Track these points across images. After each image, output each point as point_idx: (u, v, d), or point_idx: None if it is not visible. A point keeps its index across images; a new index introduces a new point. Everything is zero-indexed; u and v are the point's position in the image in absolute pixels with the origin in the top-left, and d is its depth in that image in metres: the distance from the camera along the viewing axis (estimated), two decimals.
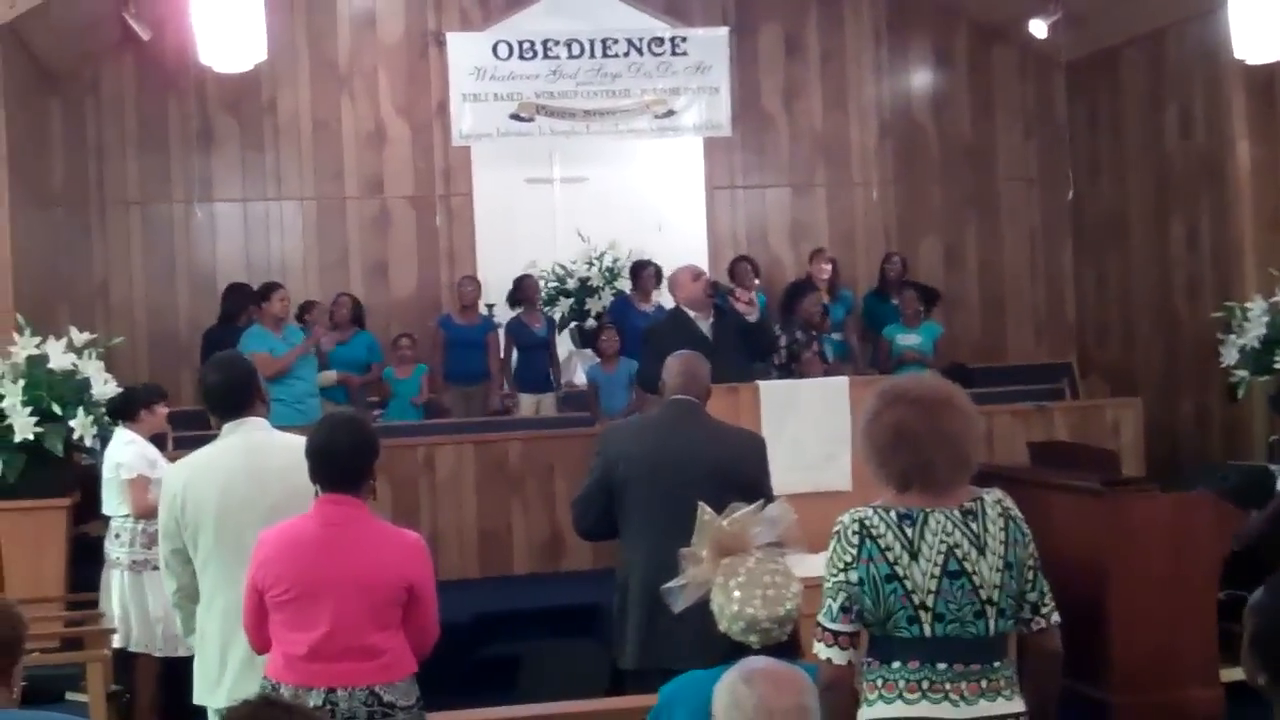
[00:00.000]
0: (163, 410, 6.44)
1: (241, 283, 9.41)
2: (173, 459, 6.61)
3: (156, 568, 6.10)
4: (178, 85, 9.89)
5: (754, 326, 6.53)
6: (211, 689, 3.89)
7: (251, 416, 4.02)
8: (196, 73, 9.20)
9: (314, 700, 3.37)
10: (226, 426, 4.01)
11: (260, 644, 3.59)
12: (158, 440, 6.68)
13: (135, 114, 9.99)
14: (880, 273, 10.18)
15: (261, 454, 3.93)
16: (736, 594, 3.15)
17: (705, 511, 3.39)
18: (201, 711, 4.00)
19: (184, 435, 8.32)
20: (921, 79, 10.98)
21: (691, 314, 6.50)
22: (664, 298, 9.92)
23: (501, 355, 9.54)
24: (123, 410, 6.42)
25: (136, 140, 10.00)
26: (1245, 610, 2.30)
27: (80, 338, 6.96)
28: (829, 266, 9.80)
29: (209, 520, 3.87)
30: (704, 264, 10.38)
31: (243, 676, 3.79)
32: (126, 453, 6.19)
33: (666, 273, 10.05)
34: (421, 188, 10.32)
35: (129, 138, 9.99)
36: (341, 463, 3.52)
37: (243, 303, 9.08)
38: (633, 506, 4.46)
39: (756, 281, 9.35)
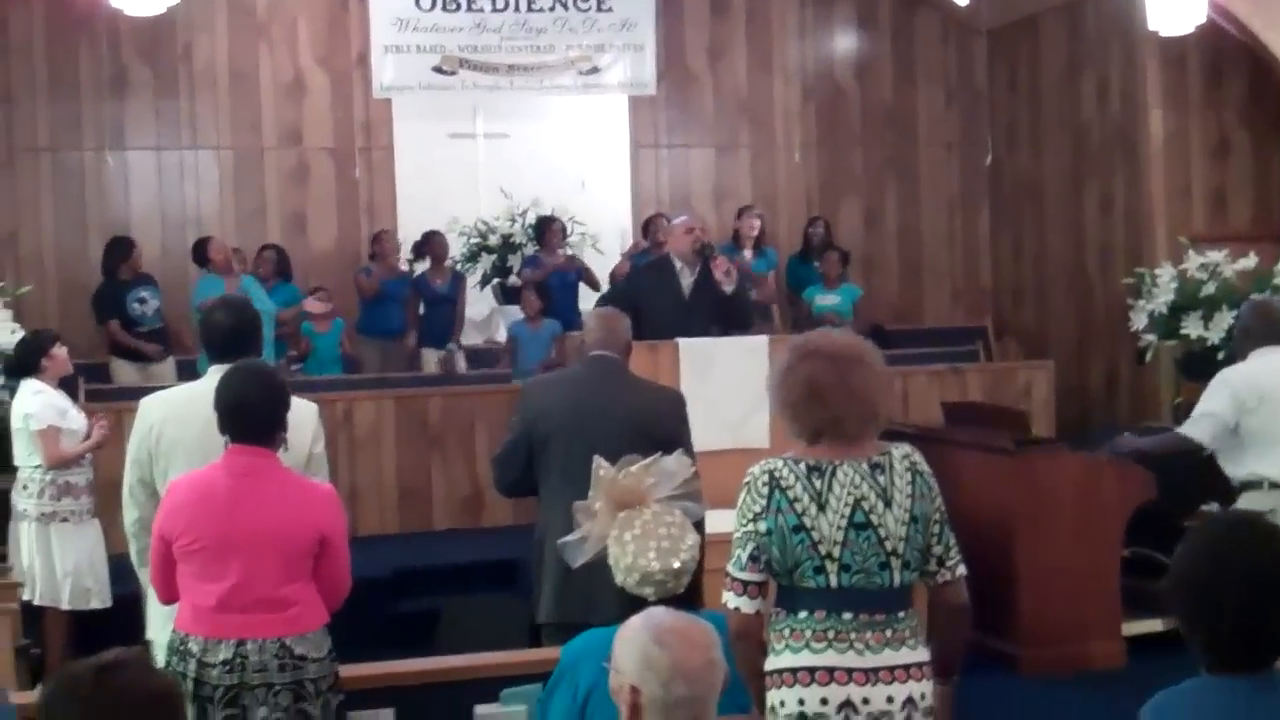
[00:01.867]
0: (60, 352, 6.25)
1: (123, 236, 9.25)
2: (86, 410, 6.55)
3: (65, 520, 6.06)
4: (89, 29, 9.64)
5: (728, 298, 6.39)
6: (164, 625, 3.80)
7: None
8: (108, 17, 8.95)
9: (223, 653, 3.34)
10: (214, 368, 3.95)
11: (166, 594, 3.55)
12: (70, 387, 6.55)
13: (45, 58, 9.72)
14: (804, 236, 10.25)
15: None
16: (631, 547, 3.15)
17: (601, 465, 3.38)
18: None
19: (95, 388, 8.20)
20: (845, 42, 11.03)
21: (678, 265, 6.45)
22: (581, 253, 9.93)
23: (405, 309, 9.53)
24: (23, 365, 6.26)
25: (46, 85, 9.73)
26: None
27: None
28: (757, 223, 9.83)
29: (182, 456, 3.83)
30: (628, 224, 10.44)
31: None
32: (35, 403, 6.06)
33: (586, 229, 10.13)
34: (341, 140, 10.18)
35: (39, 83, 9.72)
36: (252, 414, 3.49)
37: (123, 257, 8.96)
38: (551, 462, 4.45)
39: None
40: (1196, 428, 5.20)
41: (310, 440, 3.92)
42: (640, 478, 3.34)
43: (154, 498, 3.88)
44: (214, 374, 3.93)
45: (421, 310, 9.47)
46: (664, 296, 6.26)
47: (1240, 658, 2.26)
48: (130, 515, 4.00)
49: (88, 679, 2.17)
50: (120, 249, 9.03)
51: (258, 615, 3.37)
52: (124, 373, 8.77)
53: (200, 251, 8.91)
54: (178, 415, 3.91)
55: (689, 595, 3.19)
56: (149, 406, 4.01)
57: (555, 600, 4.39)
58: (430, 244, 9.51)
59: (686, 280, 6.40)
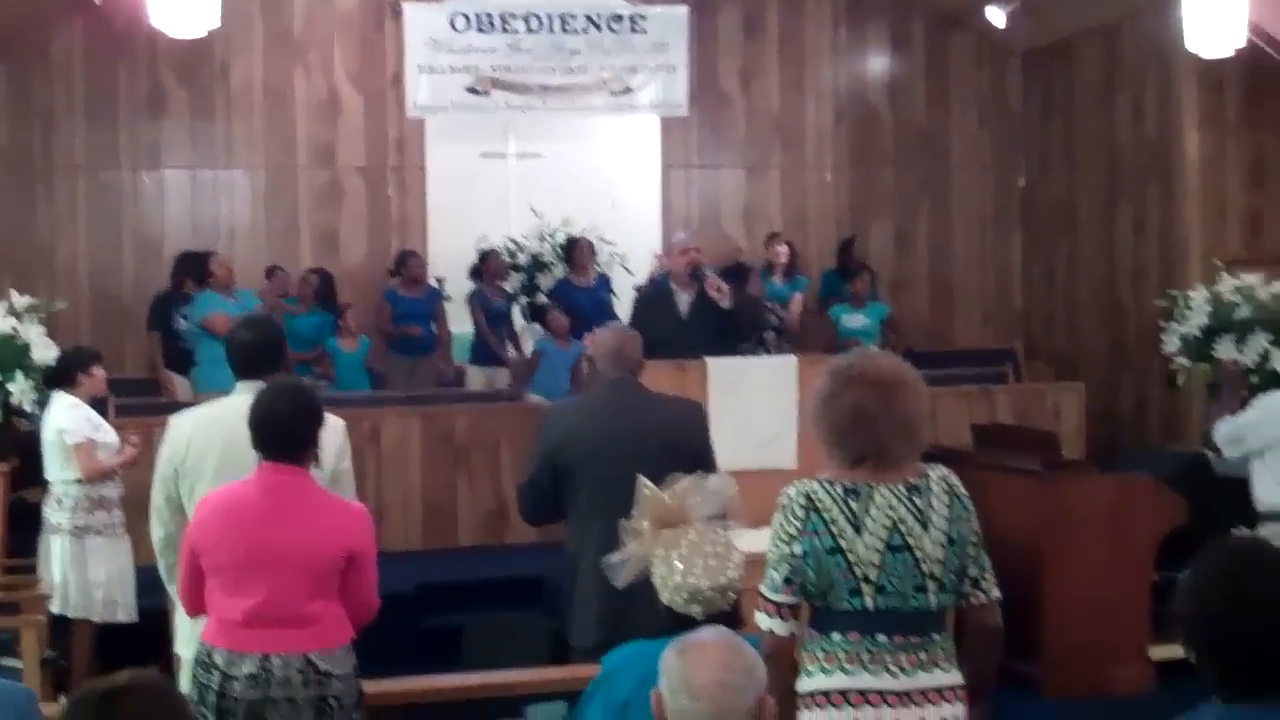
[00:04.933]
0: (100, 373, 6.34)
1: (193, 251, 9.36)
2: (117, 426, 6.60)
3: (99, 533, 6.10)
4: (128, 50, 9.75)
5: (728, 313, 6.46)
6: (188, 641, 3.82)
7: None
8: (148, 38, 9.07)
9: (248, 666, 3.34)
10: (240, 385, 3.96)
11: (193, 607, 3.56)
12: (99, 405, 6.60)
13: (84, 79, 9.83)
14: (840, 253, 10.26)
15: None
16: (679, 565, 3.15)
17: (645, 485, 3.38)
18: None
19: (128, 402, 8.25)
20: (878, 64, 11.02)
21: (674, 286, 6.51)
22: (611, 273, 9.95)
23: (473, 327, 9.60)
24: (60, 377, 6.33)
25: (85, 105, 9.84)
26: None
27: (21, 302, 6.86)
28: (784, 250, 9.84)
29: (209, 472, 3.83)
30: (658, 243, 10.45)
31: None
32: (69, 417, 6.11)
33: (616, 249, 10.14)
34: (374, 159, 10.25)
35: (77, 103, 9.83)
36: (283, 430, 3.48)
37: (190, 271, 9.06)
38: (581, 486, 4.41)
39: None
40: (1223, 426, 5.19)
41: (335, 457, 3.92)
42: (685, 497, 3.33)
43: (180, 514, 3.89)
44: (241, 391, 3.95)
45: (484, 326, 9.54)
46: (663, 318, 6.32)
47: (1255, 686, 2.25)
48: (157, 533, 4.01)
49: (93, 704, 2.16)
50: (188, 262, 9.12)
51: (284, 630, 3.37)
52: (179, 386, 8.86)
53: (202, 266, 8.80)
54: (203, 432, 3.91)
55: (733, 613, 3.18)
56: (177, 425, 4.02)
57: (599, 624, 4.29)
58: (487, 262, 9.61)
59: (683, 301, 6.47)
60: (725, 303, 6.43)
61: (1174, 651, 5.99)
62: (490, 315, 9.55)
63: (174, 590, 3.97)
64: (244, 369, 4.00)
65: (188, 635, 3.84)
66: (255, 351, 4.01)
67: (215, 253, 9.03)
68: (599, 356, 4.65)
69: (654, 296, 6.71)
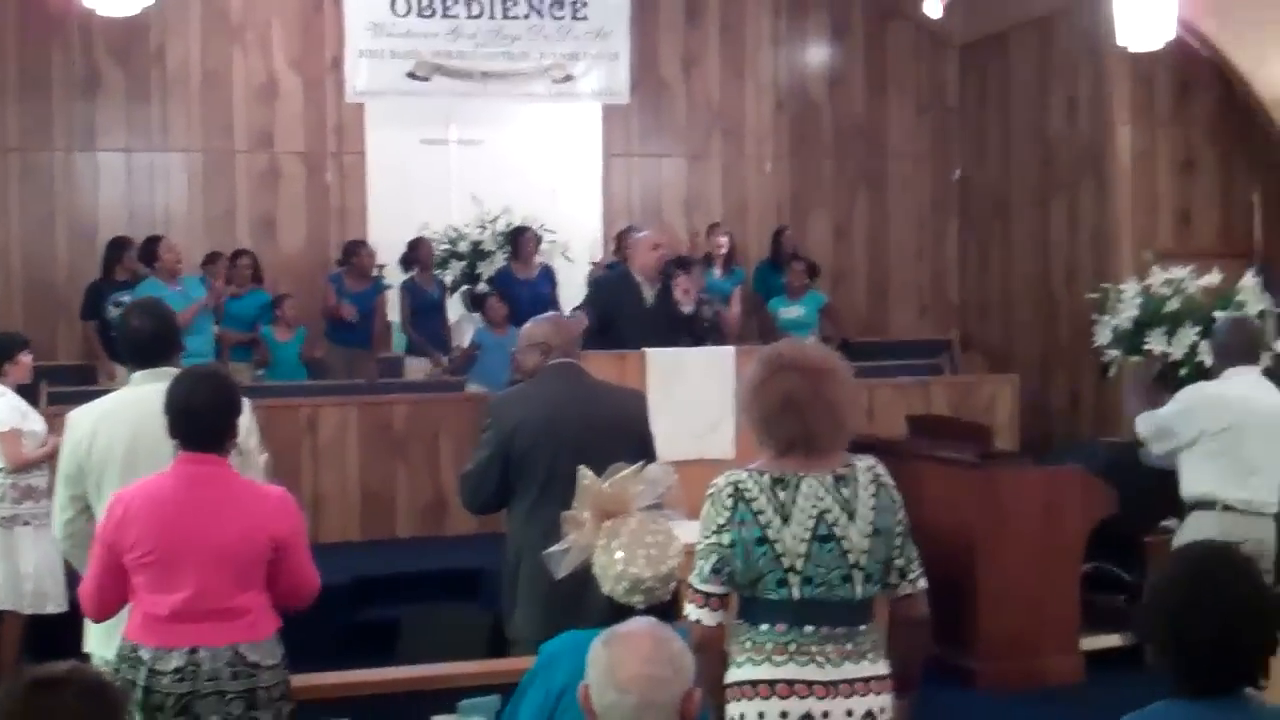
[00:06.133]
0: (27, 360, 6.24)
1: (124, 236, 9.22)
2: (48, 414, 6.50)
3: (27, 523, 6.01)
4: (62, 30, 9.58)
5: (685, 319, 6.50)
6: (107, 639, 3.67)
7: (168, 366, 3.86)
8: (81, 17, 8.91)
9: (175, 661, 3.30)
10: (138, 375, 3.86)
11: (98, 610, 3.47)
12: (29, 393, 6.50)
13: (16, 58, 9.65)
14: (772, 243, 10.28)
15: None
16: (619, 555, 3.15)
17: (585, 475, 3.37)
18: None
19: (60, 390, 8.13)
20: (818, 53, 11.07)
21: (639, 279, 6.50)
22: (552, 262, 9.92)
23: (399, 317, 9.50)
24: None
25: (17, 86, 9.66)
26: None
27: None
28: (725, 240, 9.86)
29: (115, 467, 3.74)
30: (598, 232, 10.45)
31: None
32: None
33: (557, 238, 10.13)
34: (313, 144, 10.15)
35: (9, 83, 9.64)
36: (202, 420, 3.42)
37: (121, 256, 8.92)
38: (532, 476, 4.35)
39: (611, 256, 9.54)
40: (1145, 421, 5.28)
41: (243, 434, 3.81)
42: (626, 486, 3.33)
43: (86, 512, 3.80)
44: (138, 381, 3.86)
45: (412, 318, 9.44)
46: (628, 308, 6.32)
47: (1210, 683, 2.29)
48: (61, 532, 3.90)
49: (19, 695, 2.13)
50: (118, 248, 8.98)
51: (210, 624, 3.33)
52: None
53: (149, 251, 8.64)
54: (106, 427, 3.80)
55: (673, 603, 3.19)
56: (76, 420, 3.89)
57: (542, 617, 4.19)
58: (418, 250, 9.49)
59: (649, 294, 6.49)
60: (687, 307, 6.47)
61: (1104, 642, 6.14)
62: (421, 305, 9.44)
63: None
64: (141, 357, 3.90)
65: (101, 633, 3.73)
66: (152, 339, 3.90)
67: (163, 237, 8.82)
68: (544, 339, 4.55)
69: (618, 284, 6.70)
